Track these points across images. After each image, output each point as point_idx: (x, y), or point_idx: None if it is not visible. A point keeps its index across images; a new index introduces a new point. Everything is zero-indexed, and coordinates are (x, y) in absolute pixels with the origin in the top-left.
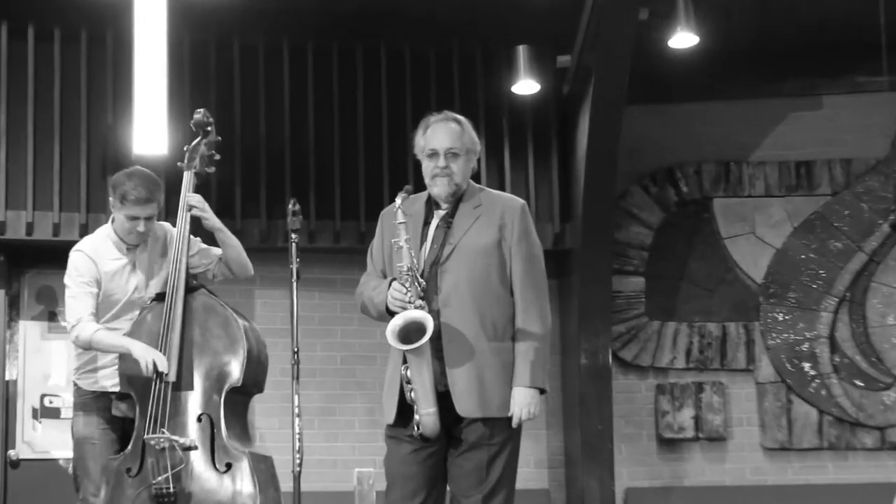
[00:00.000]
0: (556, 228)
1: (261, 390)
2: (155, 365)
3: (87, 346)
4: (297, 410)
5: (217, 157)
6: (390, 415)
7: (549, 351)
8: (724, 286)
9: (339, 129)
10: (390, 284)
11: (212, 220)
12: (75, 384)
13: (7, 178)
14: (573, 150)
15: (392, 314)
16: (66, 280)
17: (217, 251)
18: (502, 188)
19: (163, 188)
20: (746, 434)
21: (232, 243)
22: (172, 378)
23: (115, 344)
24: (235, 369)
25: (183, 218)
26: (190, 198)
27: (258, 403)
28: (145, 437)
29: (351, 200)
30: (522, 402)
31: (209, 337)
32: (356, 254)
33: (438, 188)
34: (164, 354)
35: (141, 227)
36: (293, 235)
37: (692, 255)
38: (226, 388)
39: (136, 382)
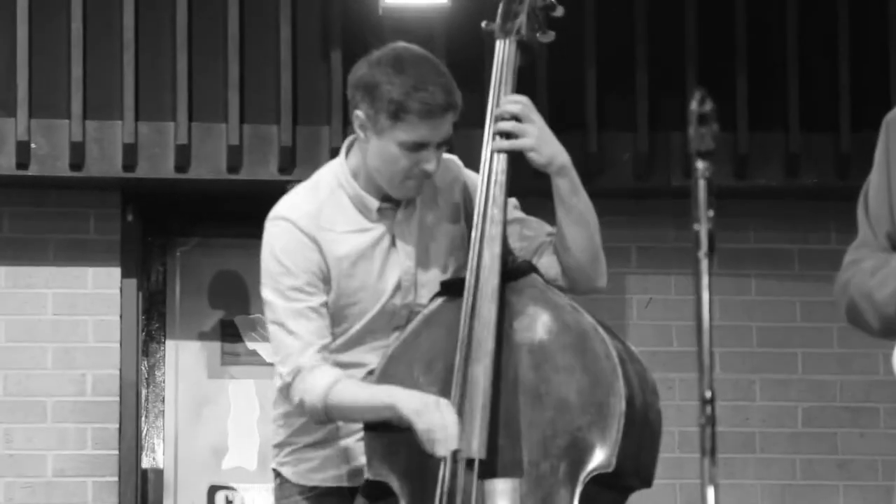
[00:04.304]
0: None
1: (648, 483)
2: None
3: (320, 417)
4: None
5: (558, 10)
6: None
7: None
8: None
9: None
10: None
11: (548, 149)
12: (278, 474)
13: (137, 57)
14: None
15: None
16: (265, 291)
17: (546, 227)
18: None
19: None
20: None
21: (581, 212)
22: (481, 454)
23: (369, 402)
24: (603, 439)
25: (492, 140)
26: (508, 101)
27: None
28: None
29: (817, 94)
30: None
31: (550, 371)
32: (837, 201)
33: None
34: (461, 402)
35: (431, 165)
36: (700, 165)
37: None
38: (583, 476)
39: (401, 463)
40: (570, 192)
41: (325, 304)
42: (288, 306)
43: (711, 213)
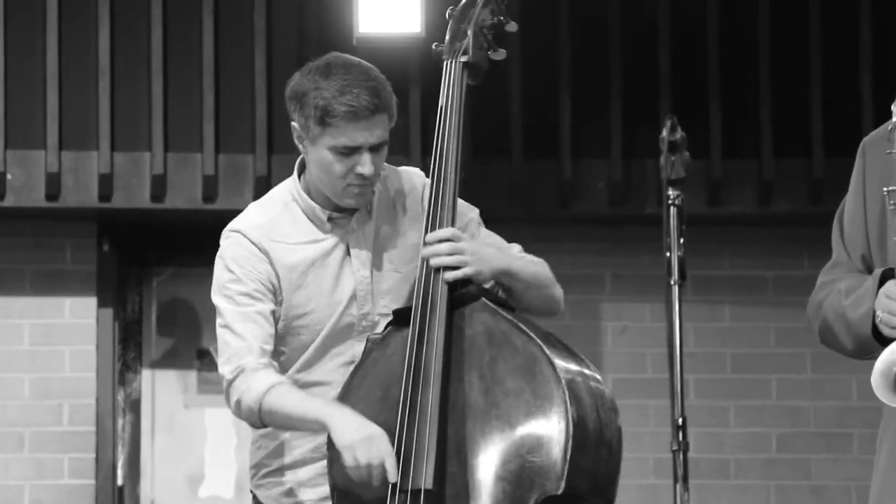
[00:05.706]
0: None
1: (610, 500)
2: (382, 468)
3: (254, 421)
4: None
5: (510, 25)
6: None
7: None
8: None
9: None
10: (880, 283)
11: (487, 267)
12: (254, 497)
13: (113, 88)
14: None
15: (885, 342)
16: (215, 296)
17: (471, 211)
18: None
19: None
20: None
21: (532, 287)
22: (427, 484)
23: (302, 414)
24: (551, 462)
25: (447, 152)
26: (436, 233)
27: None
28: None
29: (789, 120)
30: None
31: (499, 395)
32: (811, 227)
33: None
34: (409, 430)
35: (365, 168)
36: (671, 193)
37: None
38: (533, 500)
39: (355, 490)
40: (524, 288)
41: (274, 313)
42: (236, 310)
43: (681, 242)
